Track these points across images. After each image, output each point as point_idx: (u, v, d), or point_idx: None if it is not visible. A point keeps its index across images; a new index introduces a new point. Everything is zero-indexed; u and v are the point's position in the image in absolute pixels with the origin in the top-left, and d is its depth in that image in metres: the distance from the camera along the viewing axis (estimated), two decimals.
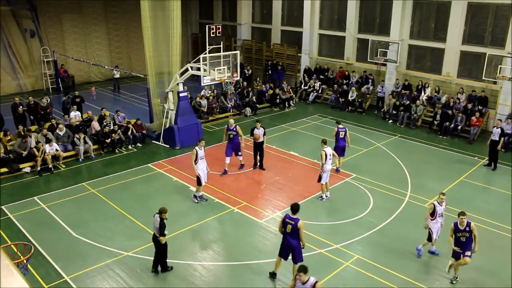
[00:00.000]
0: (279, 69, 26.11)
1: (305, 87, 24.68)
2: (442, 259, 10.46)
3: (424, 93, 21.08)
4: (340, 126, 14.89)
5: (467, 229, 9.27)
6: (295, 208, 9.04)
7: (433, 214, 10.21)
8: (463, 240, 9.35)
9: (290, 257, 9.30)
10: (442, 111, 19.34)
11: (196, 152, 12.43)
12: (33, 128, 17.19)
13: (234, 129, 14.56)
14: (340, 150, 14.64)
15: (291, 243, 9.07)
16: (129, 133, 17.22)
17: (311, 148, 17.02)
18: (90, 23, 27.47)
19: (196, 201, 12.94)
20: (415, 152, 17.39)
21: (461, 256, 9.38)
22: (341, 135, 14.77)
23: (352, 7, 23.73)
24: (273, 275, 9.63)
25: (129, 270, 9.87)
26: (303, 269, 7.34)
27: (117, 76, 26.01)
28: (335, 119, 16.39)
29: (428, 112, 20.54)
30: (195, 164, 12.46)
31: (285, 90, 23.35)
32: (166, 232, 9.53)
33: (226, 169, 14.80)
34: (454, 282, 9.65)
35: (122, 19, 28.62)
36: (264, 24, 28.81)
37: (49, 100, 19.38)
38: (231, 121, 14.79)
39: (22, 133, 15.40)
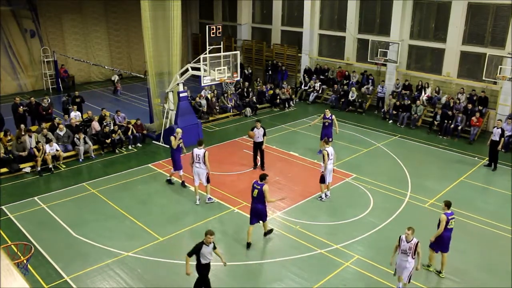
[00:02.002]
0: (283, 70, 26.09)
1: (305, 87, 24.68)
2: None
3: (424, 93, 21.08)
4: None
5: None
6: (262, 176, 10.60)
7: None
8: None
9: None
10: (442, 111, 19.34)
11: None
12: (34, 128, 17.19)
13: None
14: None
15: (256, 207, 10.58)
16: (129, 133, 17.22)
17: (311, 148, 17.04)
18: (90, 23, 27.47)
19: (213, 200, 13.07)
20: (415, 152, 17.39)
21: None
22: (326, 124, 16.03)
23: (352, 7, 23.74)
24: (248, 245, 10.78)
25: (129, 270, 9.87)
26: (410, 228, 8.64)
27: (114, 78, 26.00)
28: (336, 119, 16.58)
29: (428, 112, 20.55)
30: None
31: (285, 90, 23.36)
32: (207, 260, 8.44)
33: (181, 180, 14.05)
34: (440, 275, 9.85)
35: (122, 19, 28.62)
36: (264, 24, 28.81)
37: (49, 101, 19.38)
38: (179, 130, 14.00)
39: (22, 133, 15.40)
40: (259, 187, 10.49)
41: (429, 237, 9.93)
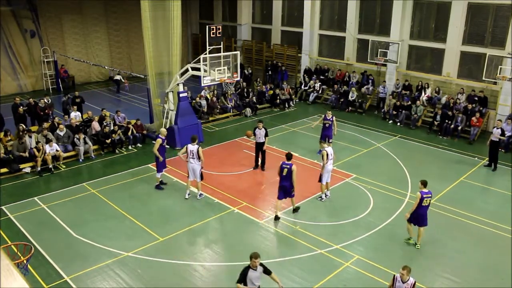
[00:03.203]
0: (283, 70, 26.11)
1: (305, 88, 24.69)
2: (441, 259, 10.47)
3: (424, 94, 21.08)
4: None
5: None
6: (289, 156, 11.84)
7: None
8: None
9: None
10: (442, 112, 19.35)
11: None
12: (34, 128, 17.20)
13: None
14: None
15: (284, 185, 11.74)
16: (129, 133, 17.23)
17: (311, 149, 17.03)
18: (90, 23, 27.47)
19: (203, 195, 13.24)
20: (415, 153, 17.39)
21: None
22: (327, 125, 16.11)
23: (352, 7, 23.74)
24: (277, 218, 11.92)
25: (129, 271, 9.87)
26: (406, 267, 7.72)
27: (118, 78, 26.00)
28: (336, 119, 16.64)
29: (428, 113, 20.55)
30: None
31: (285, 90, 23.36)
32: (254, 286, 7.60)
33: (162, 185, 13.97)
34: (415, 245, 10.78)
35: (122, 19, 28.62)
36: (264, 24, 28.82)
37: (49, 101, 19.37)
38: (163, 130, 14.00)
39: (20, 134, 15.39)
40: (288, 166, 11.62)
41: (430, 238, 9.96)
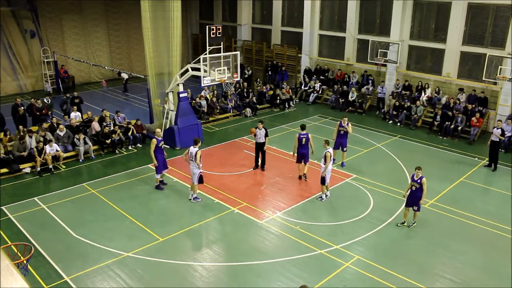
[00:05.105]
0: (283, 70, 26.11)
1: (305, 88, 24.69)
2: (442, 259, 10.47)
3: (424, 94, 21.09)
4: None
5: None
6: (303, 126, 14.16)
7: None
8: None
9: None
10: (442, 112, 19.35)
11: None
12: (34, 128, 17.19)
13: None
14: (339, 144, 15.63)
15: (304, 151, 14.02)
16: (129, 133, 17.22)
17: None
18: (90, 24, 27.49)
19: (200, 199, 13.09)
20: (415, 153, 17.38)
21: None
22: (341, 132, 15.44)
23: (352, 8, 23.75)
24: (301, 177, 14.44)
25: (129, 271, 9.87)
26: None
27: (126, 77, 25.98)
28: (336, 119, 16.62)
29: (428, 113, 20.55)
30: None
31: (285, 90, 23.36)
32: None
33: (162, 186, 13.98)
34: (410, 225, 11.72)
35: (122, 20, 28.64)
36: (264, 24, 28.82)
37: (49, 101, 19.35)
38: (158, 130, 14.02)
39: (22, 134, 15.39)
40: (305, 136, 13.86)
41: (431, 240, 9.92)
